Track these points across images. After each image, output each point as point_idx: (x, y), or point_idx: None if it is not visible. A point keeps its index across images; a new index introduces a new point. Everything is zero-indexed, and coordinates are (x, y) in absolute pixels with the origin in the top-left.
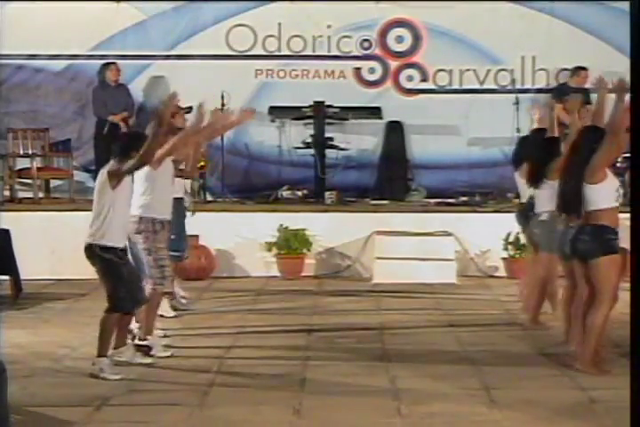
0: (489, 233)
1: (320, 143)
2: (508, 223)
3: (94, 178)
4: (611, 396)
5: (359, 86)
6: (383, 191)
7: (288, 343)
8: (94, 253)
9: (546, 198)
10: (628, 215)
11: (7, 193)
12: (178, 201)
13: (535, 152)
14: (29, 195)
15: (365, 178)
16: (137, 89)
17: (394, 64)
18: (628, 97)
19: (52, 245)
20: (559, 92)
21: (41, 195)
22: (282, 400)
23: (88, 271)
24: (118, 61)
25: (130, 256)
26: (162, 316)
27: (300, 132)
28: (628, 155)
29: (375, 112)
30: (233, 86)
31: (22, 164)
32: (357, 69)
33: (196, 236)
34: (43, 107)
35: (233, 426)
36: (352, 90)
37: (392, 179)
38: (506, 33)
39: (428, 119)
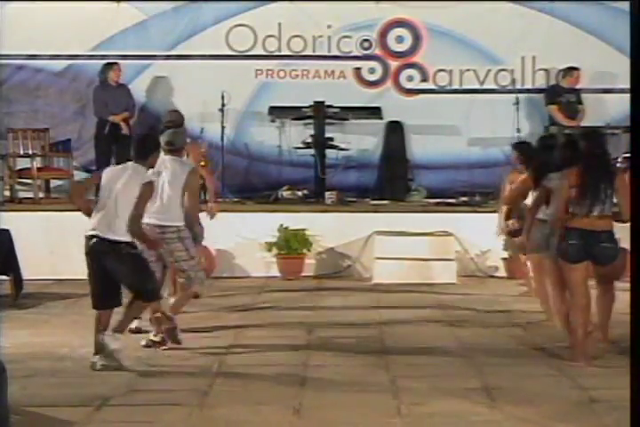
0: (489, 233)
1: (320, 143)
2: None
3: None
4: (611, 396)
5: (359, 86)
6: (383, 191)
7: (288, 343)
8: (122, 250)
9: None
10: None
11: (7, 193)
12: None
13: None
14: (29, 195)
15: (365, 178)
16: (137, 89)
17: (394, 64)
18: None
19: (52, 245)
20: (552, 94)
21: (41, 195)
22: (282, 400)
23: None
24: (119, 61)
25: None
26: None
27: (300, 133)
28: (627, 155)
29: (375, 112)
30: (233, 86)
31: (22, 164)
32: (357, 69)
33: None
34: (43, 107)
35: (233, 426)
36: (352, 90)
37: (392, 179)
38: (506, 33)
39: (427, 119)
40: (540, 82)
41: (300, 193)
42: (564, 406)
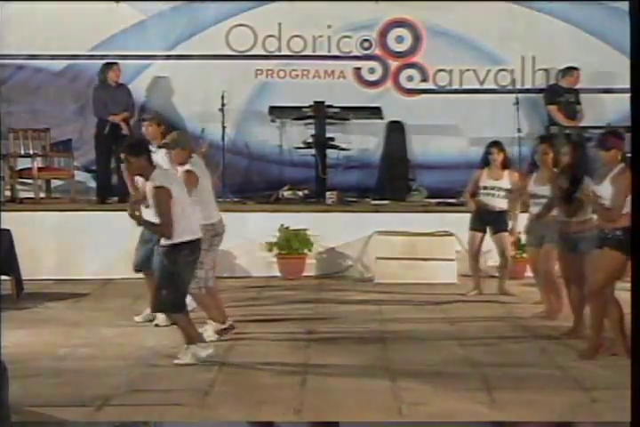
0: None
1: (321, 143)
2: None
3: (95, 178)
4: (611, 396)
5: (359, 86)
6: (384, 191)
7: (289, 343)
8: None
9: None
10: None
11: (8, 193)
12: None
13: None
14: (30, 195)
15: (366, 178)
16: (137, 89)
17: (394, 64)
18: None
19: (52, 245)
20: (551, 93)
21: (42, 195)
22: (282, 400)
23: (88, 271)
24: (118, 61)
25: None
26: (156, 325)
27: (300, 132)
28: (628, 155)
29: (375, 112)
30: (233, 86)
31: (23, 164)
32: (357, 69)
33: None
34: (43, 107)
35: (233, 426)
36: (352, 90)
37: (393, 179)
38: (506, 33)
39: (428, 119)
40: (540, 82)
41: (300, 193)
42: (565, 406)
